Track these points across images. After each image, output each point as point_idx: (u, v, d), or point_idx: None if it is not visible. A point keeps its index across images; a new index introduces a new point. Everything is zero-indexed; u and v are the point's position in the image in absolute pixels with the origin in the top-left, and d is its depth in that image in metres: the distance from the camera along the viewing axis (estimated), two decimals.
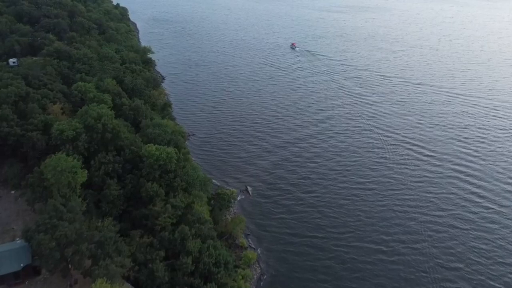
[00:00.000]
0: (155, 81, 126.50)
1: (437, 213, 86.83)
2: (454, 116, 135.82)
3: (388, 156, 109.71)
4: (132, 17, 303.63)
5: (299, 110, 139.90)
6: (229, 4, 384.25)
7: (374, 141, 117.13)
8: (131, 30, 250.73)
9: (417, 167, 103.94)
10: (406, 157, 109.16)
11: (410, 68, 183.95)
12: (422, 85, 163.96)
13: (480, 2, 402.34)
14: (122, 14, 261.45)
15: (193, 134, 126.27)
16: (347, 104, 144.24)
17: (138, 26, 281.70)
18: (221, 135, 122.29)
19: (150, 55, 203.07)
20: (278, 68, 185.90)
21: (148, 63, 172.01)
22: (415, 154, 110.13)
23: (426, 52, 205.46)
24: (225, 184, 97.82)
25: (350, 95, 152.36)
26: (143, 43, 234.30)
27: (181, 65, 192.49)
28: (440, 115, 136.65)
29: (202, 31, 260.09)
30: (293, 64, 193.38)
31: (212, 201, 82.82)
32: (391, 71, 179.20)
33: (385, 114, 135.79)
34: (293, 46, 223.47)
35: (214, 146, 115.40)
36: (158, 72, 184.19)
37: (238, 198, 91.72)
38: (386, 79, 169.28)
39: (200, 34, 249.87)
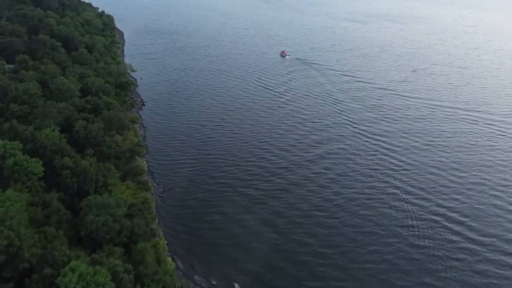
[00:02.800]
0: (121, 122, 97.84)
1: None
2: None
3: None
4: (119, 25, 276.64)
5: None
6: (228, 10, 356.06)
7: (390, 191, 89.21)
8: (115, 42, 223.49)
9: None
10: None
11: (437, 91, 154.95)
12: (454, 113, 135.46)
13: (502, 6, 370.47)
14: (105, 23, 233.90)
15: (170, 188, 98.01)
16: (366, 151, 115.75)
17: (125, 36, 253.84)
18: (206, 193, 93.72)
19: (132, 73, 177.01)
20: (282, 95, 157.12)
21: (124, 87, 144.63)
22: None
23: (453, 72, 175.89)
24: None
25: (365, 135, 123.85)
26: (128, 57, 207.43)
27: (166, 86, 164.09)
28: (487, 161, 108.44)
29: (195, 43, 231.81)
30: (303, 90, 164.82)
31: None
32: (413, 94, 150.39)
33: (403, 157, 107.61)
34: (283, 54, 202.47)
35: (197, 214, 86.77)
36: (139, 96, 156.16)
37: None
38: (408, 105, 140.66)
39: (192, 47, 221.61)
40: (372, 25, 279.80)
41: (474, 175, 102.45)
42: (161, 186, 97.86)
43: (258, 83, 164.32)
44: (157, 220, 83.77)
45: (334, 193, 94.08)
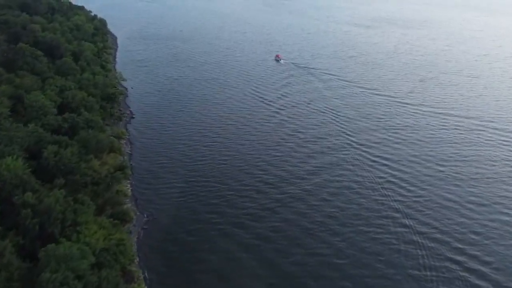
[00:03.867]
0: (100, 143, 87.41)
1: None
2: None
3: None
4: (113, 29, 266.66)
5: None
6: (226, 14, 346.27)
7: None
8: (107, 47, 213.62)
9: None
10: None
11: (448, 102, 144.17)
12: (468, 126, 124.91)
13: (507, 9, 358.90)
14: (97, 28, 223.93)
15: (154, 218, 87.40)
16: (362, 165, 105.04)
17: (119, 41, 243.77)
18: (197, 224, 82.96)
19: (123, 82, 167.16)
20: (281, 108, 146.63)
21: (112, 99, 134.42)
22: None
23: (463, 81, 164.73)
24: None
25: (370, 147, 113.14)
26: (120, 63, 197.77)
27: (158, 97, 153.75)
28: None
29: (191, 49, 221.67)
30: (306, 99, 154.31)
31: None
32: (423, 105, 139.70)
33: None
34: (277, 58, 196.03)
35: (186, 251, 75.88)
36: (128, 107, 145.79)
37: None
38: (417, 117, 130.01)
39: (187, 54, 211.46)
40: (375, 30, 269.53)
41: (491, 190, 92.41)
42: (145, 215, 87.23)
43: (254, 93, 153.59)
44: (137, 260, 73.25)
45: (335, 209, 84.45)
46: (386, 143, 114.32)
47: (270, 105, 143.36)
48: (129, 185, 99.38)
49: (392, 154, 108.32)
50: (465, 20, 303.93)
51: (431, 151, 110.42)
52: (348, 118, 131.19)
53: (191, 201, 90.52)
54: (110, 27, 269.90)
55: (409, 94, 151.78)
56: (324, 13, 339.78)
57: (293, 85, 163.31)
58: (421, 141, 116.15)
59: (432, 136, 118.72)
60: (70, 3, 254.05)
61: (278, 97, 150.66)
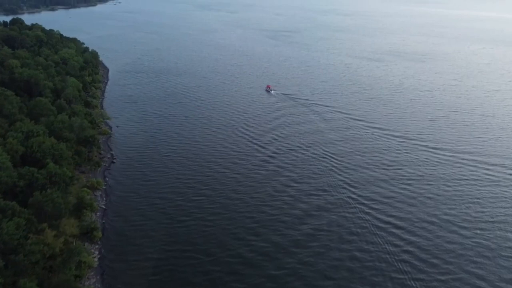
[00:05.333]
0: (57, 208, 72.60)
1: None
2: None
3: None
4: (106, 61, 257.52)
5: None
6: (224, 45, 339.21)
7: None
8: (96, 81, 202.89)
9: None
10: None
11: (466, 146, 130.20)
12: (488, 171, 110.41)
13: (509, 39, 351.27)
14: (87, 61, 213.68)
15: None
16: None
17: (110, 73, 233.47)
18: None
19: (107, 121, 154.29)
20: (275, 152, 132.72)
21: (89, 143, 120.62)
22: None
23: (477, 121, 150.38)
24: None
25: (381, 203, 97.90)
26: (108, 98, 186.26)
27: (144, 138, 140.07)
28: None
29: (184, 83, 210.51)
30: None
31: None
32: (436, 146, 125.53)
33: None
34: (268, 89, 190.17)
35: None
36: (109, 150, 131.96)
37: None
38: (431, 159, 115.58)
39: (180, 88, 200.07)
40: (378, 63, 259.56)
41: None
42: None
43: (246, 136, 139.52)
44: None
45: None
46: (400, 199, 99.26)
47: (261, 147, 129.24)
48: (97, 251, 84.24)
49: (408, 213, 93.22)
50: (470, 52, 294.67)
51: (452, 209, 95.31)
52: (353, 166, 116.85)
53: (168, 279, 74.81)
54: (103, 59, 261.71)
55: (420, 135, 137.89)
56: (325, 45, 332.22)
57: (294, 124, 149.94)
58: (439, 195, 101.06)
59: (454, 190, 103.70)
60: (61, 35, 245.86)
61: (279, 147, 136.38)
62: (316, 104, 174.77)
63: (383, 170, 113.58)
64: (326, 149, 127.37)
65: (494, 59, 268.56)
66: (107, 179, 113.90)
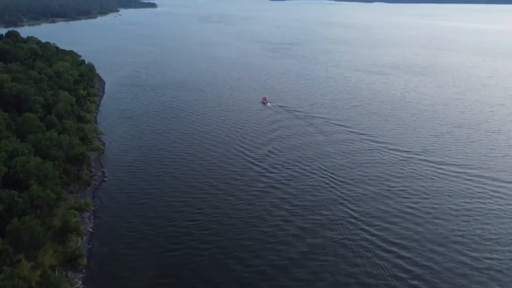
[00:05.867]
0: (36, 237, 67.20)
1: None
2: None
3: None
4: (103, 74, 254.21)
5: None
6: (223, 58, 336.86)
7: None
8: (91, 94, 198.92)
9: None
10: None
11: (474, 163, 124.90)
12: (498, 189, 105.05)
13: (508, 49, 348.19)
14: (83, 74, 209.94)
15: None
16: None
17: (107, 86, 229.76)
18: None
19: (100, 135, 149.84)
20: (272, 172, 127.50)
21: (79, 161, 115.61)
22: None
23: (484, 138, 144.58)
24: None
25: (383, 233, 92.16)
26: (102, 113, 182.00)
27: (137, 154, 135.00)
28: None
29: (181, 97, 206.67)
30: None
31: None
32: (445, 164, 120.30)
33: None
34: (264, 101, 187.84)
35: None
36: (100, 167, 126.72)
37: None
38: (440, 177, 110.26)
39: (177, 102, 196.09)
40: (378, 76, 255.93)
41: None
42: None
43: (242, 153, 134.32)
44: None
45: None
46: (405, 217, 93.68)
47: (259, 167, 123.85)
48: (80, 281, 78.46)
49: (414, 232, 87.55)
50: (471, 65, 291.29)
51: (459, 227, 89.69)
52: (354, 182, 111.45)
53: None
54: (100, 71, 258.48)
55: (425, 151, 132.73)
56: (325, 57, 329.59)
57: (291, 139, 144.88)
58: (447, 213, 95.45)
59: (462, 208, 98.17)
60: (57, 48, 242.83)
61: (275, 165, 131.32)
62: (315, 117, 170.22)
63: (386, 186, 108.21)
64: (325, 165, 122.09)
65: (495, 72, 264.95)
66: (96, 199, 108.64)
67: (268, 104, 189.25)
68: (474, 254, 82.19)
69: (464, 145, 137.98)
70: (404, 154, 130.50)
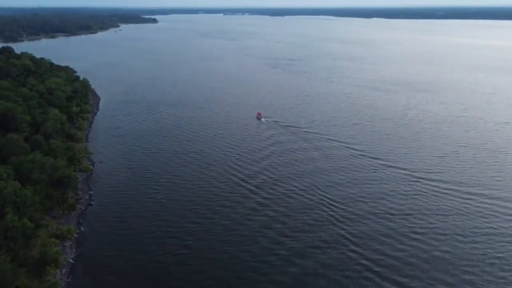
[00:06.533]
0: (3, 280, 60.42)
1: None
2: None
3: None
4: (99, 90, 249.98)
5: None
6: (222, 74, 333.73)
7: None
8: (84, 111, 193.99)
9: None
10: None
11: (477, 183, 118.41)
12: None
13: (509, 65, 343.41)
14: (76, 90, 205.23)
15: None
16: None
17: (101, 103, 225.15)
18: None
19: (89, 155, 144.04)
20: (267, 198, 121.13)
21: (64, 184, 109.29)
22: None
23: (490, 158, 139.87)
24: None
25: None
26: (94, 130, 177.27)
27: (128, 175, 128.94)
28: None
29: (176, 114, 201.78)
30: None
31: None
32: (452, 186, 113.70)
33: None
34: (259, 116, 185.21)
35: None
36: (88, 189, 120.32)
37: None
38: (448, 200, 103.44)
39: (171, 120, 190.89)
40: (379, 92, 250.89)
41: None
42: None
43: (238, 173, 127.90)
44: None
45: None
46: (408, 247, 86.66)
47: (253, 186, 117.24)
48: None
49: (425, 263, 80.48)
50: (473, 81, 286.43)
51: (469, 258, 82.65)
52: (355, 200, 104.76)
53: None
54: (96, 87, 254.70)
55: (430, 173, 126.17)
56: (325, 73, 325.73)
57: (289, 159, 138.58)
58: (455, 248, 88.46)
59: (472, 242, 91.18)
60: (51, 63, 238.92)
61: (273, 187, 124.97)
62: (314, 134, 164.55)
63: (389, 208, 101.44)
64: (322, 184, 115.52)
65: (499, 88, 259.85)
66: (81, 225, 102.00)
67: (263, 119, 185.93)
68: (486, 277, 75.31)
69: (471, 166, 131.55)
70: (410, 175, 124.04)
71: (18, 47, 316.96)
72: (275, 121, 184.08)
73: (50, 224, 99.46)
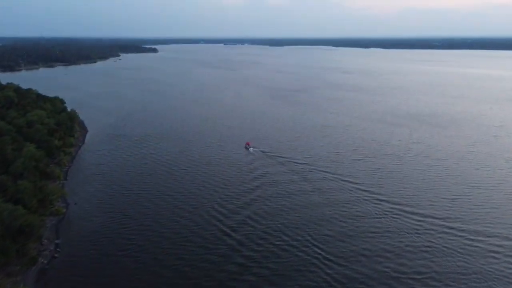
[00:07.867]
0: None
1: None
2: None
3: None
4: (88, 122, 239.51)
5: None
6: (217, 103, 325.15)
7: None
8: (67, 145, 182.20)
9: None
10: None
11: (495, 228, 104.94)
12: None
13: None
14: (60, 123, 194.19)
15: None
16: None
17: (88, 136, 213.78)
18: None
19: (63, 196, 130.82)
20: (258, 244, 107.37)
21: (24, 234, 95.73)
22: None
23: (503, 200, 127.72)
24: None
25: None
26: (76, 166, 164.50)
27: (103, 220, 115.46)
28: None
29: (164, 149, 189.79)
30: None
31: None
32: (464, 232, 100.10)
33: None
34: (247, 146, 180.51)
35: None
36: (55, 239, 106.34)
37: None
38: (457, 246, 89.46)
39: (159, 156, 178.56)
40: (381, 124, 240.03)
41: None
42: None
43: (219, 219, 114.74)
44: None
45: None
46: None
47: (238, 236, 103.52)
48: None
49: None
50: (478, 113, 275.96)
51: None
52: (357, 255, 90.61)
53: None
54: (85, 119, 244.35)
55: (442, 218, 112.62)
56: (324, 104, 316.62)
57: (281, 199, 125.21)
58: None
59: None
60: (37, 94, 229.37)
61: (258, 231, 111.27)
62: (312, 170, 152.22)
63: (398, 259, 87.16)
64: (319, 229, 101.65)
65: (505, 121, 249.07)
66: (40, 283, 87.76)
67: (251, 149, 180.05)
68: None
69: (488, 211, 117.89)
70: (422, 220, 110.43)
71: (14, 77, 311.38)
72: (262, 151, 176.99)
73: (2, 284, 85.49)
